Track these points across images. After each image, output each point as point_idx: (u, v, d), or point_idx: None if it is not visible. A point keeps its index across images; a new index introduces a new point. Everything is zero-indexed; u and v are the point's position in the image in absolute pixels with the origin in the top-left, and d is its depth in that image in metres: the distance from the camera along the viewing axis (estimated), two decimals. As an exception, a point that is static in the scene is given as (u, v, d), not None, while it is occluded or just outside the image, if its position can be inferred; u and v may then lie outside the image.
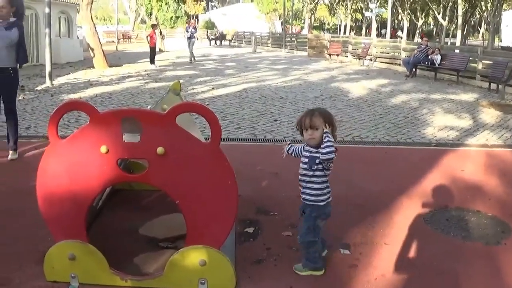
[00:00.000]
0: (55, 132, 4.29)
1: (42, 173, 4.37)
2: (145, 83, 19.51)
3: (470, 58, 21.37)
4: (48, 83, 18.38)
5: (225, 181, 4.21)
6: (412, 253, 5.37)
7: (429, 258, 5.22)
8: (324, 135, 4.42)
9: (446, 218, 6.25)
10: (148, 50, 28.40)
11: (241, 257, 5.10)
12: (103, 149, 4.16)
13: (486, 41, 57.06)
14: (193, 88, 17.87)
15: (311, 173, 4.64)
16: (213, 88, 18.06)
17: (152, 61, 28.03)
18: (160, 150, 4.11)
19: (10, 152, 8.55)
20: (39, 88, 17.51)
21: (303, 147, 4.79)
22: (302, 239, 4.79)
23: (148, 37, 29.12)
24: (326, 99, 15.84)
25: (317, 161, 4.54)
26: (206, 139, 5.27)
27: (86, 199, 4.37)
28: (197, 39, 34.16)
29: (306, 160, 4.68)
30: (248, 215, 6.14)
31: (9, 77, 8.24)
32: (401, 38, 54.04)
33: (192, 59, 31.66)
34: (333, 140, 4.42)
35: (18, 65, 8.43)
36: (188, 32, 32.51)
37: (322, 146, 4.40)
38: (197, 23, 71.79)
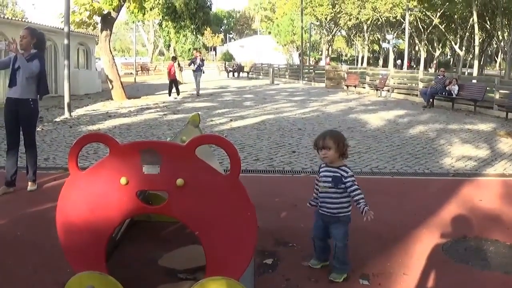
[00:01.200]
0: (75, 163, 4.33)
1: (62, 204, 4.40)
2: (163, 115, 19.61)
3: (488, 88, 21.34)
4: (66, 114, 18.51)
5: (245, 212, 4.22)
6: (431, 283, 5.34)
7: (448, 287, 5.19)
8: (349, 181, 5.28)
9: (465, 248, 6.22)
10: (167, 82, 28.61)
11: (260, 288, 5.10)
12: (123, 180, 4.19)
13: (503, 71, 56.95)
14: (212, 120, 17.94)
15: (340, 190, 5.35)
16: (231, 120, 18.12)
17: (170, 93, 28.22)
18: (179, 181, 4.13)
19: (29, 183, 8.60)
20: (57, 119, 17.65)
21: (320, 169, 5.59)
22: (343, 243, 5.35)
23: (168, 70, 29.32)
24: (344, 130, 15.80)
25: (342, 185, 5.30)
26: (225, 171, 5.29)
27: (106, 230, 4.39)
28: (204, 72, 32.68)
29: (330, 179, 5.36)
30: (267, 247, 6.13)
31: (30, 109, 8.32)
32: (414, 67, 53.87)
33: (199, 92, 30.82)
34: (354, 180, 5.28)
35: (38, 96, 8.51)
36: (194, 64, 30.82)
37: (351, 190, 5.27)
38: (215, 54, 72.17)
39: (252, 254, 4.44)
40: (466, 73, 54.89)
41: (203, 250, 4.36)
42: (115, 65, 27.88)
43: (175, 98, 27.36)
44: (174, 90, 28.66)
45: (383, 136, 14.87)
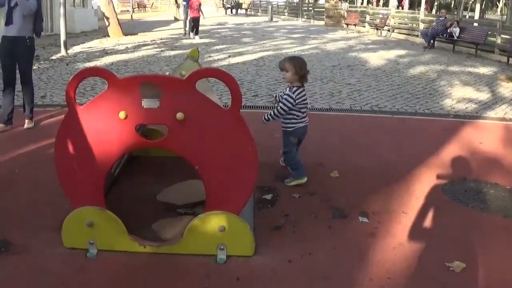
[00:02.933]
0: (73, 98, 4.25)
1: (60, 139, 4.35)
2: (161, 51, 19.44)
3: (489, 32, 21.13)
4: (63, 52, 18.31)
5: (245, 147, 4.19)
6: (430, 222, 5.35)
7: (447, 228, 5.20)
8: (284, 97, 6.01)
9: (465, 190, 6.22)
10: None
11: (259, 223, 5.09)
12: (122, 115, 4.13)
13: (505, 16, 56.39)
14: (210, 56, 17.80)
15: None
16: (229, 56, 17.98)
17: (196, 32, 26.30)
18: (179, 115, 4.08)
19: (26, 121, 8.55)
20: (54, 57, 17.47)
21: (284, 91, 6.19)
22: (284, 150, 6.26)
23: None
24: (344, 68, 15.73)
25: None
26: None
27: (105, 165, 4.36)
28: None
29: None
30: (266, 182, 6.13)
31: (26, 47, 8.25)
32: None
33: (188, 33, 27.62)
34: (286, 104, 5.97)
35: (34, 34, 8.41)
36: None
37: (281, 100, 6.06)
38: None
39: (252, 189, 4.43)
40: (467, 16, 54.35)
41: (203, 185, 4.34)
42: (112, 2, 27.50)
43: (193, 38, 25.64)
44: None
45: (383, 75, 14.78)
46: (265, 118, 6.15)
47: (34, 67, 10.79)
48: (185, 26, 28.22)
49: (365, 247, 4.76)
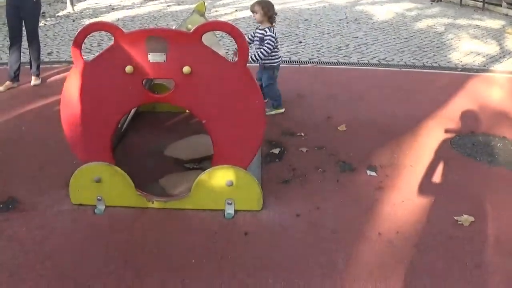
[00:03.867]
0: (79, 53, 4.21)
1: (66, 95, 4.31)
2: (167, 6, 19.26)
3: (496, -15, 20.86)
4: (69, 8, 18.14)
5: (253, 100, 4.15)
6: (438, 176, 5.33)
7: (455, 181, 5.19)
8: (267, 38, 6.60)
9: (473, 143, 6.19)
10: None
11: (267, 178, 5.11)
12: (129, 69, 4.09)
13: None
14: (216, 10, 17.62)
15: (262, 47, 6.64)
16: (236, 10, 17.80)
17: None
18: (186, 69, 4.04)
19: (33, 78, 8.51)
20: (60, 14, 17.33)
21: (255, 30, 6.90)
22: (266, 83, 6.87)
23: None
24: (351, 22, 15.57)
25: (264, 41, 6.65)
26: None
27: (112, 120, 4.34)
28: None
29: (258, 38, 6.77)
30: (273, 137, 6.12)
31: (32, 3, 8.17)
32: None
33: None
34: (270, 43, 6.58)
35: None
36: None
37: (264, 43, 6.62)
38: None
39: (260, 143, 4.41)
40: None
41: (210, 139, 4.33)
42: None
43: None
44: None
45: (390, 29, 14.62)
46: (253, 59, 6.51)
47: (40, 24, 10.73)
48: None
49: (373, 201, 4.77)
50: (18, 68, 8.35)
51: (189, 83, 4.11)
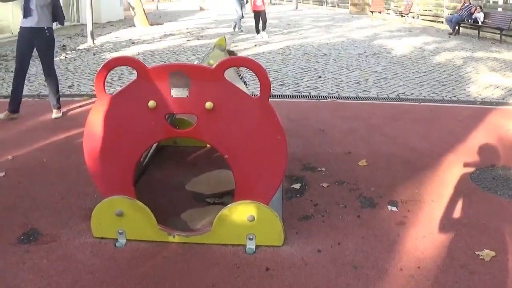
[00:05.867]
0: (103, 87, 4.26)
1: (89, 128, 4.35)
2: (187, 41, 19.47)
3: (513, 17, 20.90)
4: (89, 42, 18.43)
5: (275, 136, 4.16)
6: (459, 211, 5.29)
7: (476, 216, 5.14)
8: None
9: (493, 177, 6.15)
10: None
11: (288, 213, 5.09)
12: (151, 104, 4.13)
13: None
14: (236, 45, 17.78)
15: None
16: (255, 45, 17.96)
17: (257, 30, 21.70)
18: (208, 104, 4.07)
19: (54, 111, 8.58)
20: (81, 47, 17.57)
21: None
22: None
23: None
24: (370, 56, 15.64)
25: None
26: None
27: (134, 154, 4.37)
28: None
29: None
30: (294, 171, 6.12)
31: (46, 37, 8.27)
32: None
33: (237, 28, 24.01)
34: None
35: (56, 24, 8.41)
36: None
37: None
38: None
39: (281, 178, 4.40)
40: (491, 1, 53.68)
41: (232, 174, 4.33)
42: (138, -9, 27.57)
43: (262, 38, 21.07)
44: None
45: (409, 63, 14.68)
46: None
47: (61, 57, 10.87)
48: (239, 23, 23.99)
49: (394, 236, 4.73)
50: (20, 100, 8.40)
51: (211, 119, 4.13)
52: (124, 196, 4.46)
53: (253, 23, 21.78)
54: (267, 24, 22.17)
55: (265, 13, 21.82)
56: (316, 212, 5.15)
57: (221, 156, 4.33)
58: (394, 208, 5.28)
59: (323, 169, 6.28)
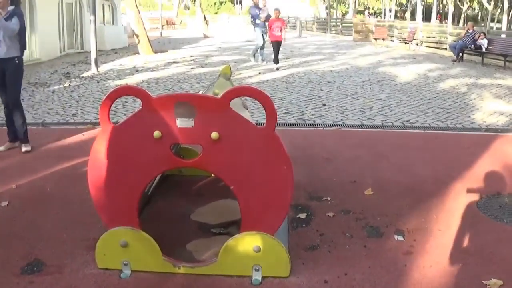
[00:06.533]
0: (107, 117, 4.25)
1: (93, 158, 4.34)
2: (191, 68, 19.52)
3: (517, 44, 20.99)
4: (93, 69, 18.47)
5: (281, 166, 4.15)
6: (466, 239, 5.26)
7: (483, 245, 5.10)
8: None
9: (499, 205, 6.12)
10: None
11: (294, 243, 5.05)
12: (157, 134, 4.12)
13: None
14: (240, 73, 17.82)
15: None
16: (260, 73, 18.00)
17: (277, 60, 20.05)
18: (214, 135, 4.05)
19: (22, 145, 8.43)
20: (84, 75, 17.63)
21: None
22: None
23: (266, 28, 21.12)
24: (374, 84, 15.67)
25: None
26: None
27: (139, 185, 4.35)
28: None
29: None
30: (300, 201, 6.09)
31: (15, 66, 8.16)
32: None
33: (258, 58, 22.39)
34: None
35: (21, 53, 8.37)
36: (257, 15, 21.82)
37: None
38: (241, 8, 70.98)
39: (287, 209, 4.38)
40: (495, 28, 53.96)
41: (238, 205, 4.31)
42: (142, 19, 27.66)
43: (277, 69, 19.63)
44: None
45: (413, 90, 14.70)
46: None
47: (65, 85, 10.88)
48: (260, 52, 22.48)
49: (401, 266, 4.69)
50: (15, 129, 8.40)
51: (217, 149, 4.12)
52: (129, 226, 4.43)
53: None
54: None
55: (280, 44, 20.29)
56: (322, 242, 5.11)
57: (227, 185, 4.31)
58: (400, 238, 5.24)
59: (329, 198, 6.25)
